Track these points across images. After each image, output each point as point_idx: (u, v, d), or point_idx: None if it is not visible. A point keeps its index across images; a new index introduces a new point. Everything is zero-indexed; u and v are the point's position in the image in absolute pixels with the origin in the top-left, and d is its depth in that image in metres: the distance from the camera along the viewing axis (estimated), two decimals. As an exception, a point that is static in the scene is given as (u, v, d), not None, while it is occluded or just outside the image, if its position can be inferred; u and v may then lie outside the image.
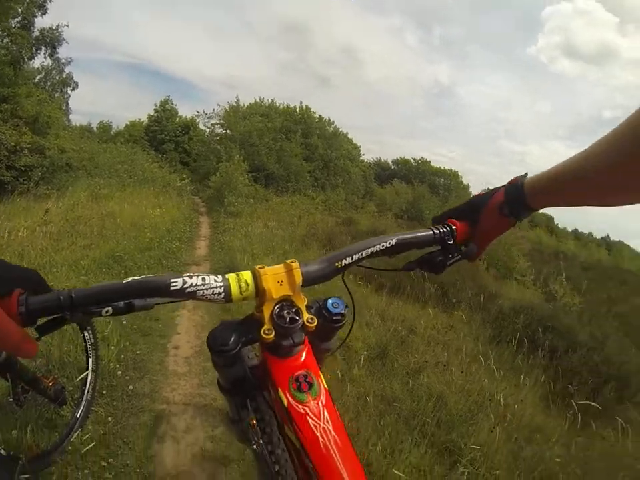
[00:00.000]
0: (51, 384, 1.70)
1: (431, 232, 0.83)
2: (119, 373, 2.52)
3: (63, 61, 19.63)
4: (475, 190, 41.57)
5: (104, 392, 2.29)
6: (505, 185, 0.81)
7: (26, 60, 12.01)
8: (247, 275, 0.65)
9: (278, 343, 0.65)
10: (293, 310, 0.66)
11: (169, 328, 3.43)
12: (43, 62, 18.69)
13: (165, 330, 3.37)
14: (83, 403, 1.95)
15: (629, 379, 4.64)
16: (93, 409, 2.05)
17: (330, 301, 0.73)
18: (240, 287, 0.64)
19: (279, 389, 0.64)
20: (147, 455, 1.98)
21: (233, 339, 0.64)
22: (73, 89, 21.70)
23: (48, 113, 11.89)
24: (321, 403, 0.63)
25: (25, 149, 9.69)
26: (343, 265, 0.73)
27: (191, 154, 24.77)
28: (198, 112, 23.28)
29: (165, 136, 27.81)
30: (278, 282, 0.66)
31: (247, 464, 2.04)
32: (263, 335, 0.63)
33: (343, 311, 0.72)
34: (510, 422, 2.92)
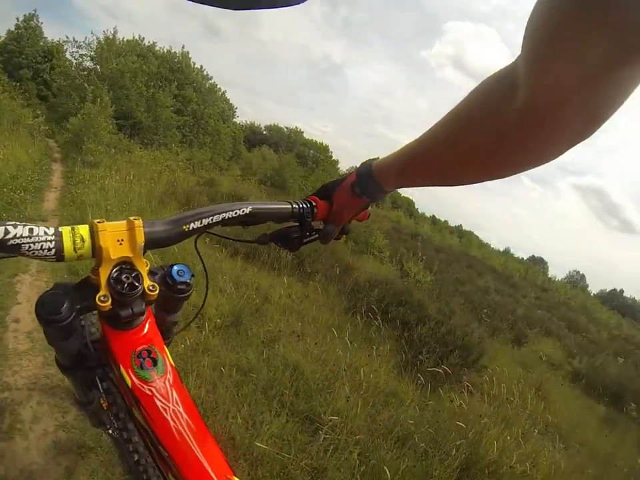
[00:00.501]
0: None
1: (290, 206, 0.80)
2: (-55, 358, 2.16)
3: None
4: (343, 165, 43.67)
5: None
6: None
7: None
8: (83, 230, 0.56)
9: (116, 313, 0.57)
10: (133, 274, 0.58)
11: (8, 297, 3.01)
12: None
13: (3, 300, 2.95)
14: None
15: (471, 348, 5.29)
16: None
17: (175, 268, 0.67)
18: (74, 242, 0.54)
19: (121, 366, 0.57)
20: None
21: (65, 305, 0.54)
22: None
23: None
24: (168, 381, 0.58)
25: None
26: (192, 228, 0.67)
27: (52, 87, 21.37)
28: (67, 38, 20.42)
29: (23, 60, 23.70)
30: (118, 240, 0.57)
31: (106, 450, 1.90)
32: (99, 303, 0.55)
33: (188, 280, 0.67)
34: (366, 389, 3.12)
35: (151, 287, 0.60)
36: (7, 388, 2.15)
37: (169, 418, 0.55)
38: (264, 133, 40.91)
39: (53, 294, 0.55)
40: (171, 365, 0.60)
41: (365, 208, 0.86)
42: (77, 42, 19.58)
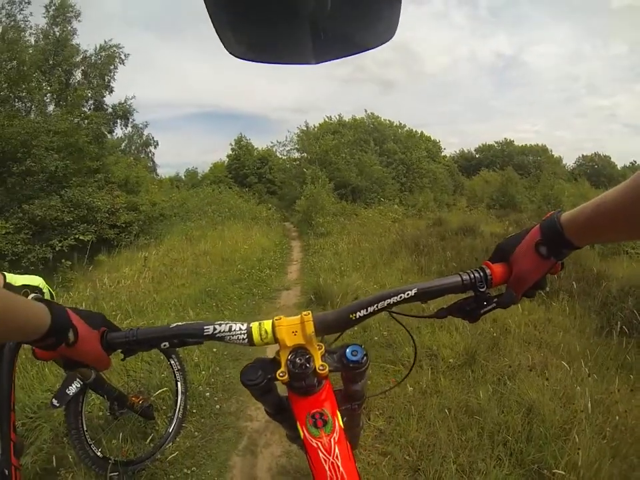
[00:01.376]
0: (140, 402, 2.05)
1: (459, 278, 0.78)
2: (207, 394, 2.79)
3: (141, 125, 22.71)
4: (568, 159, 38.33)
5: (194, 411, 2.56)
6: (539, 222, 0.75)
7: (106, 134, 14.29)
8: (267, 325, 0.75)
9: (293, 384, 0.72)
10: (305, 357, 0.72)
11: (259, 352, 3.56)
12: (125, 131, 21.35)
13: (255, 354, 3.51)
14: (175, 420, 2.30)
15: None
16: (184, 425, 2.36)
17: (349, 349, 0.75)
18: (261, 334, 0.74)
19: (298, 422, 0.71)
20: (226, 465, 2.20)
21: (259, 374, 0.72)
22: (155, 147, 24.71)
23: (136, 174, 13.92)
24: (334, 439, 0.68)
25: (122, 208, 11.33)
26: (358, 316, 0.77)
27: (275, 182, 25.82)
28: (272, 142, 25.21)
29: (247, 170, 29.52)
30: (292, 332, 0.74)
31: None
32: (278, 377, 0.71)
33: (360, 359, 0.74)
34: (611, 436, 2.40)
35: (320, 367, 0.71)
36: (249, 419, 2.65)
37: (327, 468, 0.66)
38: (477, 156, 39.93)
39: (251, 366, 0.74)
40: (340, 427, 0.71)
41: (550, 270, 0.75)
42: (280, 142, 23.98)
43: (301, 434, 0.69)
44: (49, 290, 1.42)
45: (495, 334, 3.77)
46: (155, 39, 71.86)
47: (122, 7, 56.18)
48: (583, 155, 40.97)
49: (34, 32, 13.23)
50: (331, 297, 4.94)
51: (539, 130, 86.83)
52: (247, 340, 0.74)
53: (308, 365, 0.71)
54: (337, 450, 0.67)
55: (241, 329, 0.75)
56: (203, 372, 3.05)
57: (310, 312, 0.75)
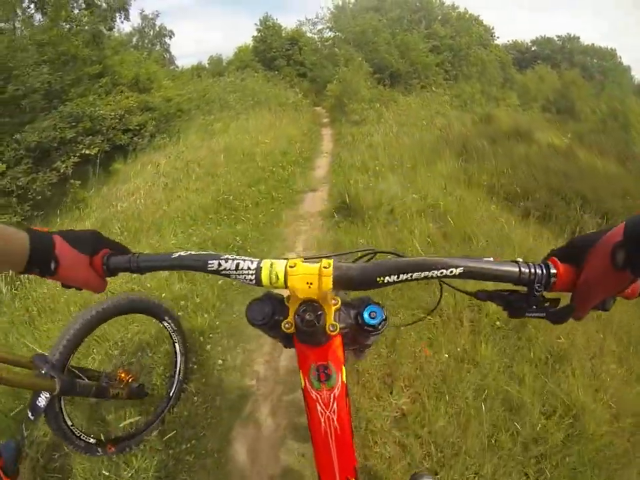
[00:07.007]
0: (129, 379, 1.84)
1: (517, 269, 0.62)
2: (208, 347, 2.54)
3: (151, 16, 21.42)
4: (638, 72, 34.67)
5: (194, 367, 2.34)
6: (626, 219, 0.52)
7: (105, 32, 12.73)
8: (279, 269, 0.65)
9: (300, 336, 0.66)
10: (317, 314, 0.64)
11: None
12: (132, 25, 20.00)
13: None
14: (175, 383, 2.07)
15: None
16: (185, 386, 2.15)
17: (367, 310, 0.68)
18: (270, 278, 0.65)
19: (301, 371, 0.69)
20: (227, 438, 1.98)
21: (266, 312, 0.67)
22: (170, 38, 23.48)
23: (145, 70, 12.71)
24: (334, 395, 0.67)
25: (134, 110, 10.45)
26: (385, 281, 0.64)
27: (306, 64, 23.59)
28: (300, 21, 22.42)
29: (275, 52, 26.40)
30: (307, 283, 0.65)
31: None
32: (283, 328, 0.65)
33: (377, 324, 0.67)
34: None
35: (331, 327, 0.65)
36: (255, 376, 2.39)
37: (322, 420, 0.67)
38: (533, 49, 36.30)
39: (257, 304, 0.68)
40: (343, 382, 0.68)
41: (622, 291, 0.56)
42: (309, 20, 22.11)
43: (302, 384, 0.69)
44: None
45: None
46: None
47: None
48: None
49: None
50: (361, 209, 4.29)
51: (608, 33, 75.28)
52: (254, 281, 0.66)
53: (317, 324, 0.64)
54: (335, 405, 0.67)
55: (249, 268, 0.67)
56: (206, 315, 2.72)
57: (331, 262, 0.65)
